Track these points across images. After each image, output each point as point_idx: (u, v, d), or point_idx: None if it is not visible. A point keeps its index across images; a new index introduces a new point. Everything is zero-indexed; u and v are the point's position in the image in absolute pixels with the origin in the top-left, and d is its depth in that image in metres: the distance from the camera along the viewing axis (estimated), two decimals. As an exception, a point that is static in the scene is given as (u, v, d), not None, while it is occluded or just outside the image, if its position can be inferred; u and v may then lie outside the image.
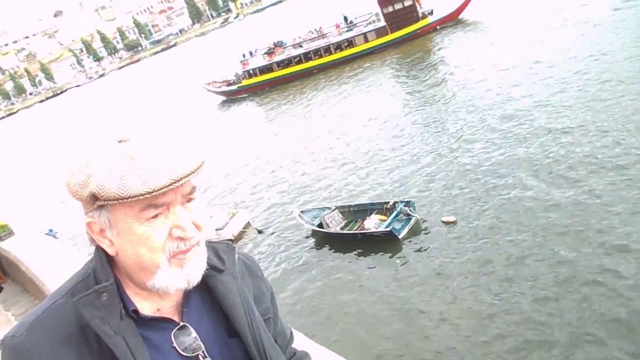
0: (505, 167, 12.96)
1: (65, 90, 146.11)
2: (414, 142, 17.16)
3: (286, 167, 19.43)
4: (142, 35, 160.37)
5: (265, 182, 18.76)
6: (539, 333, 7.92)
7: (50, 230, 18.30)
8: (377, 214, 12.74)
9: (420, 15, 31.42)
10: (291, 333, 1.40)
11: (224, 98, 38.18)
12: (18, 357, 1.00)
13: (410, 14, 31.27)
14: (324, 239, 13.07)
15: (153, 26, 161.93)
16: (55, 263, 6.53)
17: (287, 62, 35.13)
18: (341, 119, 22.89)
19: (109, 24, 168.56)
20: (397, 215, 12.17)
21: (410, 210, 12.10)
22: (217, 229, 14.55)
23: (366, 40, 32.56)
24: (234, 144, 25.27)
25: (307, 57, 34.37)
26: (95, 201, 0.99)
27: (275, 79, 35.41)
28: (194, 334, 1.11)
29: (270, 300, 1.32)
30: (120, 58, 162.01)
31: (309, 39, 35.80)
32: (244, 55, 38.22)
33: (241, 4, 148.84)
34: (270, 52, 36.56)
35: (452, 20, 31.58)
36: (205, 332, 1.13)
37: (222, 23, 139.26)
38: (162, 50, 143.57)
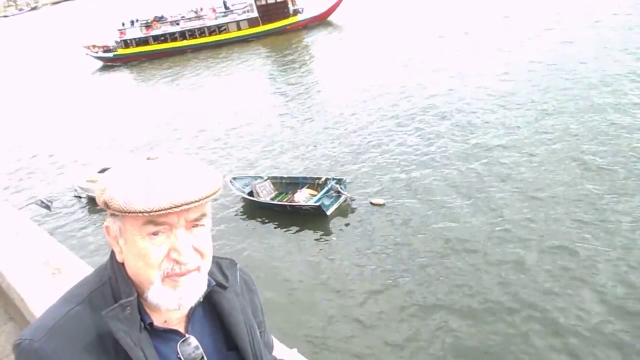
0: (435, 157, 13.77)
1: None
2: (295, 125, 18.54)
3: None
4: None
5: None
6: (453, 315, 8.38)
7: None
8: (308, 188, 12.89)
9: (291, 12, 33.65)
10: (272, 341, 1.49)
11: (102, 63, 38.19)
12: None
13: (281, 10, 33.41)
14: (254, 208, 13.16)
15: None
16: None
17: (163, 38, 35.85)
18: (220, 98, 23.77)
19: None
20: (327, 192, 12.31)
21: (341, 188, 12.29)
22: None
23: (239, 28, 34.46)
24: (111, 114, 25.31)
25: (182, 35, 35.34)
26: (108, 209, 1.06)
27: (151, 53, 35.80)
28: (195, 343, 1.16)
29: (261, 313, 1.39)
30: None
31: (187, 18, 36.51)
32: (123, 24, 37.80)
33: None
34: (148, 25, 36.65)
35: (321, 20, 34.04)
36: (206, 344, 1.18)
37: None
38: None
